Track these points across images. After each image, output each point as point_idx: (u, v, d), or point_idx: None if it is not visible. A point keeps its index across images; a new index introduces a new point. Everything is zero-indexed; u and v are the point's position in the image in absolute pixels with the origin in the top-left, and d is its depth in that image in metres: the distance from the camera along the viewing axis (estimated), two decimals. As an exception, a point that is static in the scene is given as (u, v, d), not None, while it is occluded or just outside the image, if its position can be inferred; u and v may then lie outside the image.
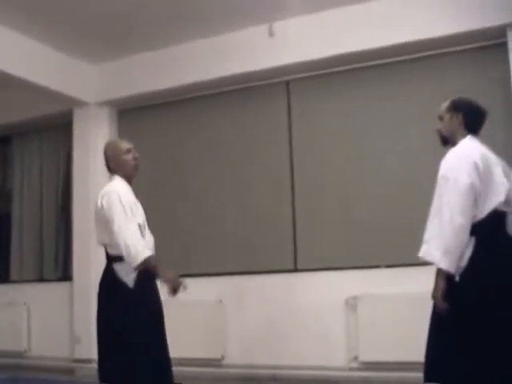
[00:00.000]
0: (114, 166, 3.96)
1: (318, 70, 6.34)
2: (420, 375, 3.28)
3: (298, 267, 6.32)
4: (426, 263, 3.22)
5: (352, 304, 5.90)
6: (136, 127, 7.23)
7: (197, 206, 6.84)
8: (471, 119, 3.41)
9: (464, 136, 3.38)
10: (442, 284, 3.15)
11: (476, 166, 3.16)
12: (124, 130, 7.28)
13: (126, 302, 3.72)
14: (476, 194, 3.14)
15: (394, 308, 5.64)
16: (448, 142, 3.46)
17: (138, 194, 3.99)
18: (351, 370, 5.89)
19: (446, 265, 3.11)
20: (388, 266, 5.84)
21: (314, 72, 6.38)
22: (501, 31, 5.46)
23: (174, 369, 3.89)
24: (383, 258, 5.87)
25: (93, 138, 7.18)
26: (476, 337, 3.07)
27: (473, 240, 3.15)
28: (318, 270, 6.18)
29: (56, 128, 7.90)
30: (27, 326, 7.51)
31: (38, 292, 7.60)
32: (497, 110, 5.39)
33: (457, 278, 3.16)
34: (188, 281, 6.62)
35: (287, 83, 6.57)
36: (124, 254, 3.65)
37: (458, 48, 5.78)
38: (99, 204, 3.79)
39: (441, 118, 3.50)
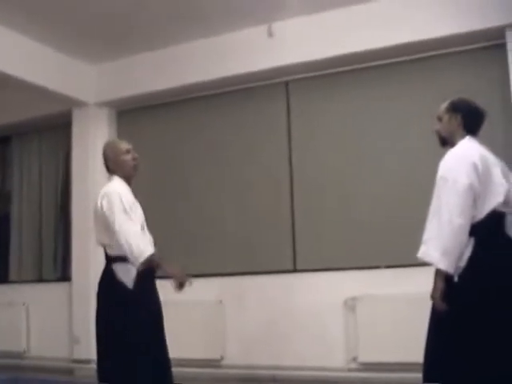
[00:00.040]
0: (113, 166, 3.96)
1: (317, 70, 6.34)
2: (419, 376, 3.28)
3: (298, 268, 6.32)
4: (425, 264, 3.22)
5: (351, 305, 5.90)
6: (135, 128, 7.23)
7: (196, 207, 6.84)
8: (470, 120, 3.41)
9: (463, 137, 3.38)
10: (441, 285, 3.15)
11: (475, 167, 3.16)
12: (123, 131, 7.28)
13: (126, 302, 3.72)
14: (475, 195, 3.14)
15: (393, 309, 5.64)
16: (447, 142, 3.46)
17: (137, 194, 3.99)
18: (350, 370, 5.89)
19: (445, 265, 3.11)
20: (387, 267, 5.84)
21: (313, 73, 6.38)
22: (499, 32, 5.47)
23: (174, 369, 3.89)
24: (382, 259, 5.87)
25: (92, 138, 7.18)
26: (475, 337, 3.07)
27: (472, 241, 3.15)
28: (317, 270, 6.18)
29: (55, 128, 7.90)
30: (26, 326, 7.51)
31: (37, 292, 7.59)
32: (496, 110, 5.40)
33: (456, 279, 3.16)
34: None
35: (286, 84, 6.57)
36: (127, 253, 3.66)
37: (457, 49, 5.78)
38: (99, 204, 3.79)
39: (440, 119, 3.50)
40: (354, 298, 5.88)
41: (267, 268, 6.40)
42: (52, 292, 7.50)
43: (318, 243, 6.23)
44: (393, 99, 6.09)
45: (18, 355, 7.43)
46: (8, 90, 6.89)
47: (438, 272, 3.17)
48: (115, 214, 3.69)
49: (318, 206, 6.28)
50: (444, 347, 3.15)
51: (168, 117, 7.19)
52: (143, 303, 3.77)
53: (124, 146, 3.99)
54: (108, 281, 3.80)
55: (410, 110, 5.97)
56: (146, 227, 3.91)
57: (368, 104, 6.19)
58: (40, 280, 7.79)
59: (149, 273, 3.83)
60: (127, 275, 3.72)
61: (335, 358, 5.95)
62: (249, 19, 6.21)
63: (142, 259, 3.64)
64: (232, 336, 6.39)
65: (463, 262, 3.15)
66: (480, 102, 3.56)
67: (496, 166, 3.27)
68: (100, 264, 4.00)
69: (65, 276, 7.53)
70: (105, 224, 3.76)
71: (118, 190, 3.81)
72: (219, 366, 6.40)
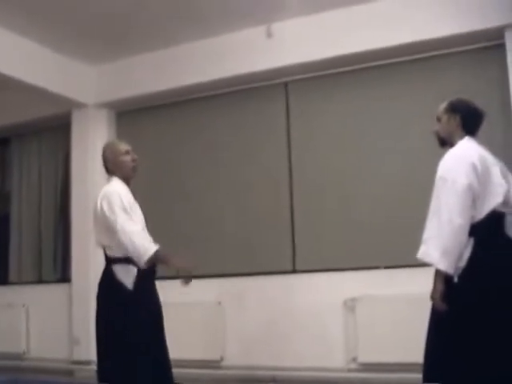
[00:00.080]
0: (112, 167, 3.96)
1: (316, 71, 6.34)
2: (419, 376, 3.27)
3: (297, 268, 6.32)
4: (424, 264, 3.22)
5: (351, 305, 5.90)
6: (135, 129, 7.23)
7: (196, 208, 6.84)
8: (469, 120, 3.41)
9: (462, 137, 3.38)
10: (441, 285, 3.15)
11: (474, 167, 3.16)
12: (123, 132, 7.28)
13: (126, 303, 3.71)
14: (474, 195, 3.14)
15: (393, 309, 5.64)
16: (446, 143, 3.46)
17: (136, 195, 3.98)
18: (350, 371, 5.89)
19: (445, 266, 3.11)
20: (387, 267, 5.84)
21: (312, 73, 6.38)
22: (498, 32, 5.47)
23: (174, 370, 3.89)
24: (382, 259, 5.87)
25: (91, 139, 7.18)
26: (475, 337, 3.07)
27: (471, 241, 3.16)
28: (316, 271, 6.18)
29: (55, 129, 7.89)
30: (26, 327, 7.50)
31: (36, 294, 7.59)
32: (495, 110, 5.41)
33: (455, 279, 3.16)
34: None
35: (286, 84, 6.57)
36: (131, 252, 3.66)
37: (457, 49, 5.78)
38: (99, 206, 3.79)
39: (438, 120, 3.50)
40: (353, 299, 5.88)
41: (267, 269, 6.40)
42: (52, 293, 7.50)
43: (318, 244, 6.23)
44: (392, 99, 6.10)
45: (18, 356, 7.42)
46: (7, 91, 6.89)
47: (438, 272, 3.17)
48: (116, 214, 3.69)
49: (318, 207, 6.28)
50: (444, 347, 3.16)
51: (167, 118, 7.19)
52: (143, 304, 3.77)
53: (123, 147, 3.99)
54: (108, 282, 3.80)
55: (410, 110, 5.97)
56: (145, 228, 3.91)
57: (367, 104, 6.19)
58: (40, 281, 7.79)
59: (149, 274, 3.84)
60: (127, 276, 3.72)
61: (335, 359, 5.95)
62: (248, 20, 6.21)
63: (146, 257, 3.64)
64: (232, 337, 6.39)
65: (463, 263, 3.15)
66: (479, 102, 3.56)
67: (495, 167, 3.27)
68: (100, 265, 4.00)
69: (64, 277, 7.53)
70: (105, 225, 3.76)
71: (117, 190, 3.81)
72: (219, 367, 6.40)
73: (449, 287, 3.15)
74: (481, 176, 3.16)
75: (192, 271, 3.85)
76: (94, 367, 3.95)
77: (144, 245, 3.65)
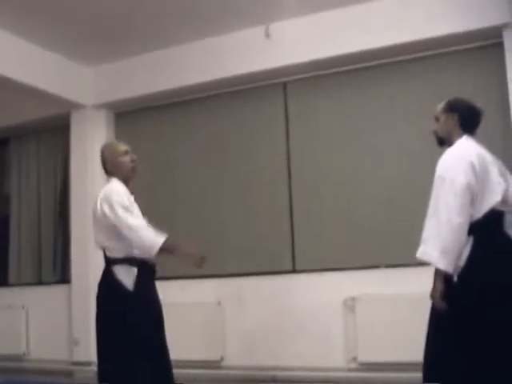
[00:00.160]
0: (111, 167, 3.95)
1: (315, 71, 6.35)
2: (419, 375, 3.28)
3: (297, 268, 6.32)
4: (424, 263, 3.22)
5: (350, 305, 5.90)
6: (133, 130, 7.23)
7: (195, 208, 6.84)
8: (467, 119, 3.42)
9: (460, 136, 3.38)
10: (441, 284, 3.16)
11: (472, 166, 3.16)
12: (121, 133, 7.28)
13: (126, 304, 3.71)
14: (473, 194, 3.14)
15: (393, 308, 5.64)
16: (444, 142, 3.47)
17: (135, 196, 3.96)
18: (350, 370, 5.90)
19: (444, 265, 3.11)
20: (386, 267, 5.84)
21: (311, 73, 6.38)
22: (496, 31, 5.47)
23: (174, 371, 3.88)
24: (381, 259, 5.87)
25: (90, 140, 7.18)
26: (474, 336, 3.07)
27: (470, 240, 3.16)
28: (316, 270, 6.17)
29: (53, 130, 7.90)
30: (26, 329, 7.50)
31: (36, 295, 7.59)
32: (493, 109, 5.41)
33: (455, 278, 3.16)
34: (186, 283, 6.68)
35: (284, 84, 6.58)
36: (139, 247, 3.68)
37: (454, 48, 5.79)
38: (99, 207, 3.78)
39: (437, 119, 3.51)
40: (353, 298, 5.88)
41: (266, 268, 6.40)
42: (51, 294, 7.50)
43: (317, 243, 6.23)
44: (391, 99, 6.10)
45: (18, 358, 7.43)
46: (6, 92, 6.88)
47: (438, 272, 3.17)
48: (118, 213, 3.68)
49: (317, 207, 6.28)
50: (444, 346, 3.16)
51: (166, 118, 7.19)
52: (144, 305, 3.77)
53: (122, 147, 3.98)
54: (108, 283, 3.79)
55: (408, 109, 5.98)
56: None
57: (366, 104, 6.19)
58: (39, 283, 7.79)
59: (149, 274, 3.83)
60: (127, 277, 3.72)
61: (335, 358, 5.96)
62: (246, 20, 6.21)
63: (155, 249, 3.65)
64: (232, 337, 6.39)
65: (462, 262, 3.15)
66: (477, 101, 3.57)
67: (493, 165, 3.28)
68: (99, 266, 4.00)
69: (64, 278, 7.53)
70: (105, 226, 3.75)
71: (117, 189, 3.80)
72: (219, 367, 6.40)
73: (448, 286, 3.15)
74: (479, 175, 3.17)
75: (202, 255, 3.83)
76: (94, 368, 3.96)
77: (151, 237, 3.66)
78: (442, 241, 3.12)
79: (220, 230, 6.68)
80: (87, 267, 6.86)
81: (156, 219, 3.82)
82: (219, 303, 6.45)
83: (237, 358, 6.33)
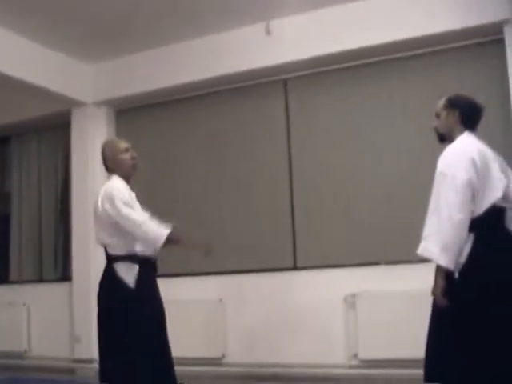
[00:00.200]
0: (111, 164, 3.95)
1: (315, 67, 6.34)
2: (420, 372, 3.27)
3: (298, 265, 6.32)
4: (425, 260, 3.22)
5: (351, 301, 5.91)
6: (134, 127, 7.23)
7: (195, 205, 6.83)
8: (468, 116, 3.41)
9: (461, 132, 3.38)
10: (442, 281, 3.15)
11: (473, 162, 3.16)
12: (122, 130, 7.28)
13: (128, 301, 3.70)
14: (474, 190, 3.14)
15: (393, 305, 5.64)
16: (445, 139, 3.46)
17: (135, 193, 3.98)
18: (351, 367, 5.90)
19: (445, 261, 3.11)
20: (387, 263, 5.84)
21: (311, 70, 6.38)
22: (497, 27, 5.47)
23: (175, 368, 3.88)
24: (382, 255, 5.87)
25: (91, 137, 7.18)
26: (476, 333, 3.07)
27: (471, 236, 3.15)
28: (317, 267, 6.18)
29: (54, 128, 7.90)
30: (27, 326, 7.52)
31: (37, 292, 7.60)
32: (494, 106, 5.41)
33: (456, 275, 3.16)
34: (187, 280, 6.68)
35: (285, 81, 6.57)
36: (145, 241, 3.69)
37: (455, 45, 5.78)
38: (100, 204, 3.77)
39: (437, 116, 3.50)
40: (353, 295, 5.89)
41: (267, 265, 6.40)
42: (53, 292, 7.51)
43: (318, 240, 6.23)
44: (392, 96, 6.09)
45: (19, 355, 7.44)
46: (6, 90, 6.89)
47: (439, 268, 3.17)
48: (121, 209, 3.68)
49: (318, 204, 6.29)
50: (445, 344, 3.15)
51: (167, 115, 7.19)
52: (145, 302, 3.77)
53: (123, 144, 3.98)
54: (109, 280, 3.79)
55: (409, 106, 5.97)
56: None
57: (367, 101, 6.19)
58: (40, 280, 7.80)
59: (150, 271, 3.84)
60: (129, 274, 3.72)
61: (336, 355, 5.96)
62: (246, 17, 6.21)
63: (161, 242, 3.65)
64: (233, 334, 6.40)
65: (463, 258, 3.15)
66: (479, 97, 3.57)
67: (494, 161, 3.27)
68: (100, 263, 4.00)
69: (65, 276, 7.54)
70: (107, 223, 3.75)
71: (117, 186, 3.80)
72: (221, 364, 6.41)
73: (449, 283, 3.15)
74: (480, 171, 3.16)
75: (208, 248, 3.88)
76: (96, 365, 3.96)
77: (156, 230, 3.67)
78: (442, 237, 3.12)
79: (221, 226, 6.67)
80: (88, 264, 6.87)
81: (156, 216, 3.82)
82: (220, 300, 6.46)
83: (238, 355, 6.34)
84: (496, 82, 5.62)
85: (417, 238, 3.26)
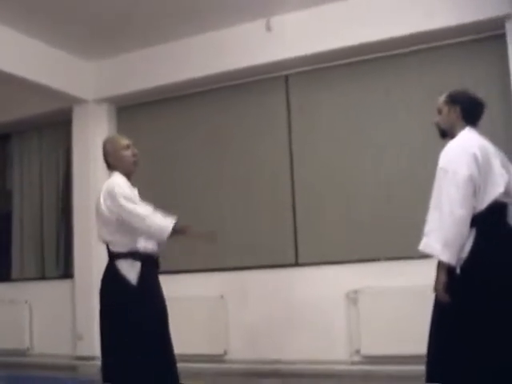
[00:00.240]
0: (112, 161, 3.94)
1: (316, 63, 6.34)
2: (422, 368, 3.27)
3: (299, 261, 6.32)
4: (426, 256, 3.22)
5: (353, 297, 5.91)
6: (135, 124, 7.23)
7: (196, 202, 6.83)
8: (469, 111, 3.40)
9: (463, 128, 3.37)
10: (444, 276, 3.15)
11: (475, 158, 3.16)
12: (123, 127, 7.28)
13: (130, 298, 3.70)
14: (475, 186, 3.13)
15: (395, 301, 5.64)
16: (447, 134, 3.45)
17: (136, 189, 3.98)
18: (353, 363, 5.90)
19: (447, 257, 3.11)
20: (389, 259, 5.83)
21: (312, 66, 6.38)
22: (499, 23, 5.46)
23: (178, 365, 3.89)
24: (384, 251, 5.87)
25: (92, 134, 7.18)
26: (477, 328, 3.07)
27: (473, 231, 3.15)
28: (318, 263, 6.18)
29: (55, 125, 7.91)
30: (29, 324, 7.52)
31: (39, 290, 7.61)
32: (495, 101, 5.41)
33: (458, 270, 3.16)
34: (189, 277, 6.69)
35: (286, 77, 6.57)
36: (150, 235, 3.69)
37: (457, 40, 5.78)
38: (102, 201, 3.77)
39: (439, 112, 3.49)
40: (355, 291, 5.89)
41: (269, 262, 6.40)
42: (55, 289, 7.52)
43: (320, 236, 6.23)
44: (392, 92, 6.09)
45: (22, 353, 7.45)
46: (7, 87, 6.88)
47: (440, 264, 3.16)
48: (124, 205, 3.67)
49: (319, 200, 6.28)
50: (447, 339, 3.15)
51: (167, 112, 7.19)
52: (148, 299, 3.76)
53: (124, 141, 3.98)
54: (111, 277, 3.79)
55: (410, 102, 5.97)
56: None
57: (368, 97, 6.18)
58: (42, 278, 7.81)
59: (152, 268, 3.83)
60: (131, 271, 3.72)
61: (338, 351, 5.96)
62: (247, 14, 6.20)
63: (167, 233, 3.65)
64: (235, 331, 6.40)
65: (465, 254, 3.15)
66: (480, 93, 3.57)
67: (496, 157, 3.27)
68: (102, 260, 4.00)
69: (67, 273, 7.54)
70: (109, 220, 3.74)
71: (118, 183, 3.79)
72: (223, 361, 6.41)
73: (451, 278, 3.15)
74: (482, 166, 3.16)
75: (213, 236, 3.93)
76: (98, 362, 3.95)
77: (161, 222, 3.67)
78: (444, 233, 3.12)
79: (222, 223, 6.66)
80: (90, 261, 6.87)
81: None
82: (222, 297, 6.46)
83: (240, 351, 6.34)
84: (497, 78, 5.61)
85: (419, 234, 3.25)
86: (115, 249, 3.77)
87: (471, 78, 5.57)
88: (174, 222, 3.69)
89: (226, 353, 6.40)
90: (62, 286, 7.43)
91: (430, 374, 3.21)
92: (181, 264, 6.52)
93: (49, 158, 8.00)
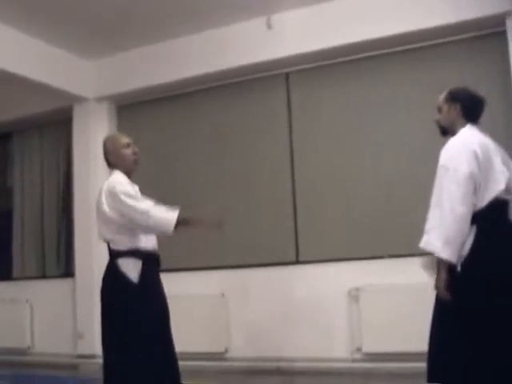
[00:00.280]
0: (113, 159, 3.93)
1: (317, 61, 6.34)
2: (423, 365, 3.27)
3: (300, 259, 6.32)
4: (427, 253, 3.21)
5: (354, 295, 5.91)
6: (135, 122, 7.23)
7: (197, 200, 6.81)
8: (469, 108, 3.40)
9: (463, 125, 3.36)
10: (444, 274, 3.14)
11: (475, 155, 3.15)
12: (123, 125, 7.28)
13: (131, 297, 3.68)
14: (476, 183, 3.13)
15: (397, 299, 5.64)
16: (447, 132, 3.45)
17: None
18: (354, 361, 5.91)
19: (448, 254, 3.10)
20: (390, 257, 5.83)
21: (313, 63, 6.38)
22: (499, 20, 5.46)
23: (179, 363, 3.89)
24: (385, 249, 5.87)
25: (92, 133, 7.19)
26: (478, 325, 3.06)
27: (474, 229, 3.14)
28: (319, 261, 6.18)
29: (56, 124, 7.91)
30: (30, 322, 7.53)
31: (40, 289, 7.62)
32: (496, 98, 5.40)
33: (458, 268, 3.15)
34: (190, 275, 6.68)
35: (287, 75, 6.57)
36: (156, 229, 3.68)
37: (457, 38, 5.78)
38: (103, 200, 3.76)
39: (439, 109, 3.49)
40: (357, 289, 5.89)
41: (270, 260, 6.41)
42: (55, 288, 7.53)
43: (321, 234, 6.23)
44: (393, 89, 6.09)
45: (23, 352, 7.46)
46: (8, 86, 6.88)
47: (441, 261, 3.16)
48: (126, 203, 3.66)
49: (320, 197, 6.28)
50: (448, 336, 3.15)
51: (168, 111, 7.19)
52: (149, 298, 3.75)
53: (124, 139, 3.96)
54: (112, 276, 3.77)
55: (411, 99, 5.97)
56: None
57: (369, 94, 6.18)
58: (43, 276, 7.82)
59: (154, 267, 3.83)
60: (132, 269, 3.70)
61: (339, 349, 5.97)
62: (247, 11, 6.20)
63: (172, 226, 3.64)
64: (236, 328, 6.40)
65: (465, 251, 3.14)
66: (480, 90, 3.55)
67: (497, 154, 3.26)
68: (103, 259, 3.99)
69: (68, 272, 7.55)
70: (110, 219, 3.73)
71: (119, 181, 3.78)
72: (224, 359, 6.42)
73: (452, 276, 3.15)
74: (482, 164, 3.15)
75: (219, 222, 3.93)
76: (99, 361, 3.96)
77: (165, 216, 3.65)
78: (445, 230, 3.11)
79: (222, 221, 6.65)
80: (91, 260, 6.88)
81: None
82: (223, 295, 6.46)
83: (241, 349, 6.34)
84: (498, 75, 5.61)
85: (420, 231, 3.24)
86: (116, 247, 3.76)
87: (472, 75, 5.56)
88: (177, 213, 3.68)
89: (227, 351, 6.41)
90: (62, 284, 7.44)
91: (431, 373, 3.21)
92: (182, 262, 6.52)
93: (49, 157, 8.00)
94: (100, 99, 7.29)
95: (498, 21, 5.47)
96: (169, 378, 3.77)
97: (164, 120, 7.20)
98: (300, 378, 5.95)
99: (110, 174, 3.93)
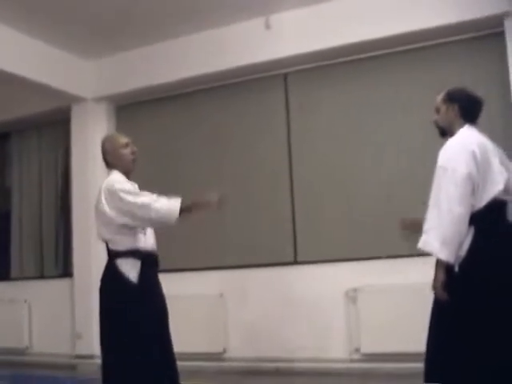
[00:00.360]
0: (111, 159, 3.92)
1: (315, 61, 6.34)
2: (421, 366, 3.26)
3: (298, 260, 6.33)
4: (425, 254, 3.21)
5: (352, 296, 5.91)
6: (134, 122, 7.23)
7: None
8: (467, 109, 3.40)
9: (461, 126, 3.36)
10: (442, 274, 3.14)
11: (474, 156, 3.15)
12: (122, 126, 7.28)
13: (130, 297, 3.68)
14: (474, 184, 3.12)
15: (395, 299, 5.64)
16: (446, 133, 3.45)
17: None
18: (352, 361, 5.91)
19: (445, 255, 3.10)
20: (388, 257, 5.83)
21: (311, 64, 6.38)
22: (498, 20, 5.46)
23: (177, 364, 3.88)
24: (383, 249, 5.87)
25: (91, 133, 7.18)
26: (476, 326, 3.06)
27: (472, 230, 3.14)
28: (317, 262, 6.18)
29: (54, 124, 7.91)
30: (28, 323, 7.53)
31: (38, 289, 7.61)
32: (495, 99, 5.40)
33: (456, 268, 3.15)
34: (188, 275, 6.68)
35: (285, 76, 6.57)
36: (160, 220, 3.66)
37: (456, 38, 5.78)
38: (103, 200, 3.75)
39: (437, 110, 3.48)
40: (355, 289, 5.89)
41: (268, 260, 6.41)
42: (54, 288, 7.52)
43: (319, 235, 6.23)
44: (392, 90, 6.09)
45: (21, 352, 7.45)
46: (7, 86, 6.88)
47: (439, 262, 3.16)
48: (127, 199, 3.64)
49: (318, 198, 6.29)
50: (446, 337, 3.15)
51: (167, 111, 7.19)
52: (148, 298, 3.74)
53: (123, 139, 3.95)
54: (111, 276, 3.76)
55: (410, 100, 5.97)
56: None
57: (367, 94, 6.19)
58: (41, 276, 7.82)
59: (152, 267, 3.82)
60: (131, 270, 3.69)
61: (337, 350, 5.97)
62: (246, 12, 6.21)
63: (176, 215, 3.65)
64: (234, 329, 6.40)
65: (463, 252, 3.14)
66: (479, 90, 3.56)
67: (495, 154, 3.26)
68: (102, 259, 3.99)
69: (66, 272, 7.55)
70: (108, 219, 3.72)
71: (117, 180, 3.78)
72: (222, 359, 6.42)
73: (450, 276, 3.15)
74: (480, 164, 3.15)
75: (219, 202, 3.90)
76: (97, 361, 3.96)
77: (167, 206, 3.65)
78: (443, 231, 3.11)
79: (221, 222, 6.66)
80: (89, 260, 6.88)
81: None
82: (221, 295, 6.46)
83: (239, 349, 6.34)
84: (496, 75, 5.62)
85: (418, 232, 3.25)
86: (115, 247, 3.75)
87: (470, 75, 5.57)
88: (179, 201, 3.68)
89: (225, 351, 6.41)
90: (61, 284, 7.43)
91: (429, 373, 3.21)
92: (180, 262, 6.52)
93: (48, 157, 8.00)
94: (99, 99, 7.28)
95: (496, 21, 5.47)
96: (167, 378, 3.76)
97: (163, 120, 7.20)
98: (298, 378, 5.94)
99: (109, 174, 3.93)
